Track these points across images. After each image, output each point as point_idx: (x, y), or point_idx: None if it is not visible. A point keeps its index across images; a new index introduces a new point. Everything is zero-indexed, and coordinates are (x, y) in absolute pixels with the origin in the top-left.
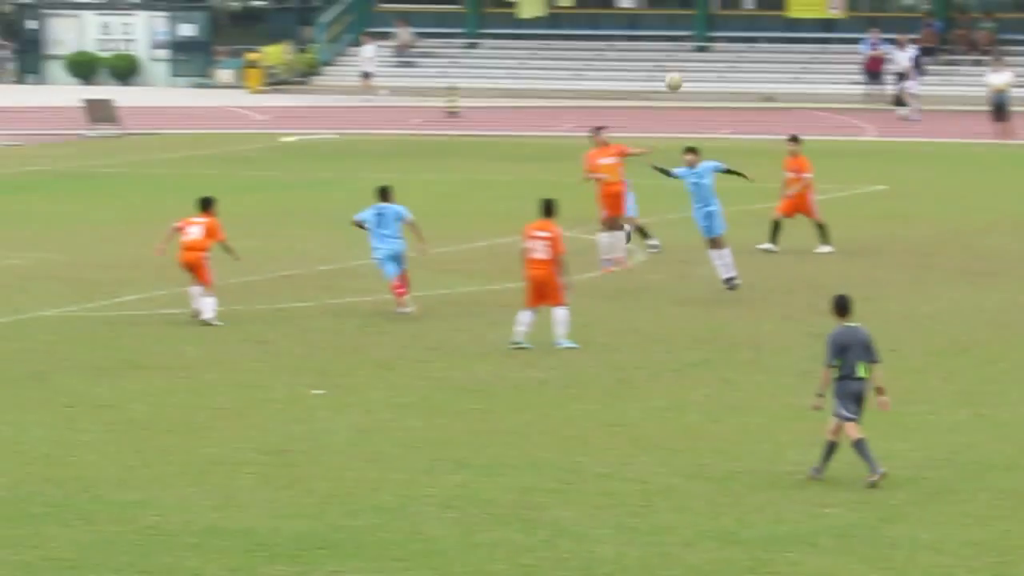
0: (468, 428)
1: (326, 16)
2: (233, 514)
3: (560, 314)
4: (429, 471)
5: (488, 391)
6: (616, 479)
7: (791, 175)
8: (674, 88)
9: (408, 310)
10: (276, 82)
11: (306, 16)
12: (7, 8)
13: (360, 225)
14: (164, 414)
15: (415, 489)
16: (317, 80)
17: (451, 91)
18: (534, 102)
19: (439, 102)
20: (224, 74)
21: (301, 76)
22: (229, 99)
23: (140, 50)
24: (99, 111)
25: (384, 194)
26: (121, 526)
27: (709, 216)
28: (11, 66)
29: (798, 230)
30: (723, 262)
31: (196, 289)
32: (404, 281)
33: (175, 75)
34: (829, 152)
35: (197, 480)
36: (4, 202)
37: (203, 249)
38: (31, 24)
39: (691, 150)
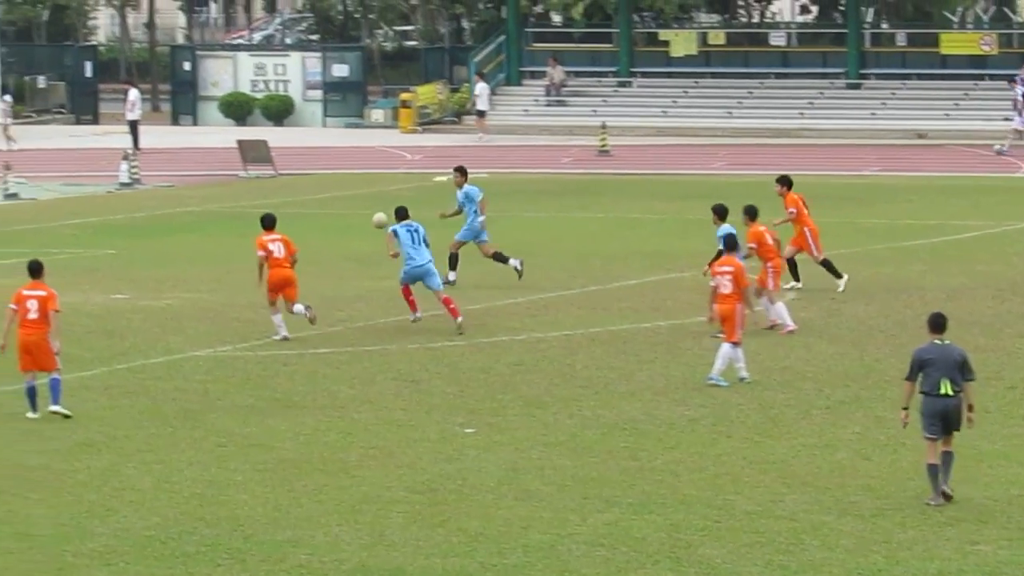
0: (618, 466)
1: (478, 56)
2: (383, 552)
3: (726, 349)
4: (579, 509)
5: (638, 429)
6: (766, 517)
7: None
8: (379, 226)
9: (418, 315)
10: (428, 122)
11: (458, 56)
12: (162, 50)
13: (395, 233)
14: (315, 453)
15: (565, 527)
16: (469, 120)
17: (602, 129)
18: (685, 140)
19: (590, 140)
20: (377, 114)
21: (453, 115)
22: (382, 139)
23: (294, 91)
24: (253, 152)
25: (403, 214)
26: (272, 565)
27: None
28: (166, 107)
29: (929, 268)
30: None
31: (279, 317)
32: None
33: (328, 115)
34: (982, 189)
35: (348, 519)
36: (158, 242)
37: (292, 265)
38: (186, 65)
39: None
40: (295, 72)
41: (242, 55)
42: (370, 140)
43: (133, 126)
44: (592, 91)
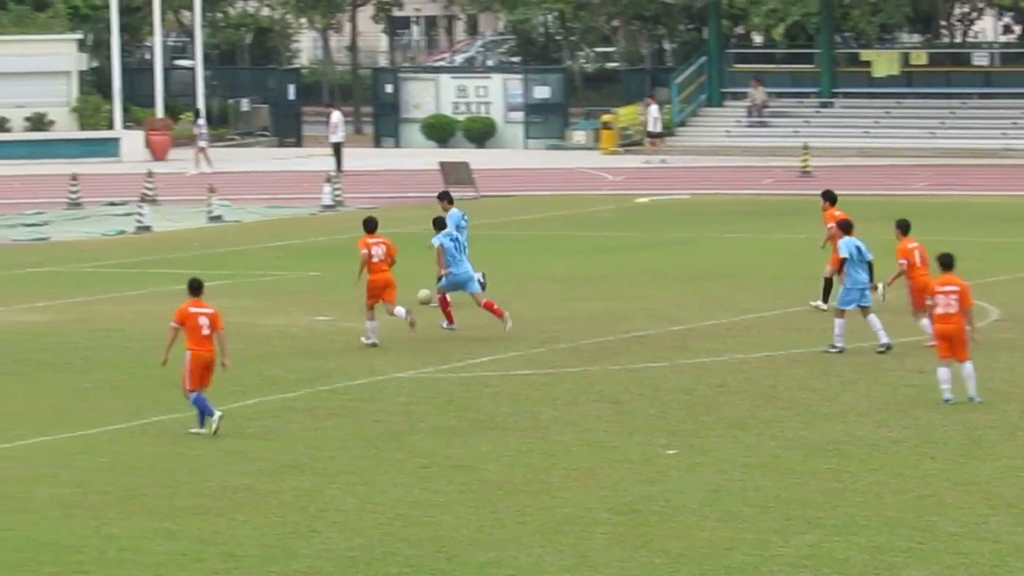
0: (820, 488)
1: (680, 77)
2: (586, 574)
3: (969, 369)
4: (781, 531)
5: (841, 451)
6: (970, 539)
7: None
8: (424, 302)
9: (453, 326)
10: (630, 143)
11: (660, 77)
12: (365, 72)
13: (440, 245)
14: (518, 474)
15: (767, 549)
16: (671, 141)
17: (804, 150)
18: (886, 161)
19: (792, 161)
20: (578, 135)
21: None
22: (583, 160)
23: (495, 112)
24: (455, 173)
25: (442, 225)
26: None
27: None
28: (368, 130)
29: None
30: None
31: (373, 324)
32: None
33: (530, 137)
34: None
35: (550, 540)
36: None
37: (390, 267)
38: (388, 88)
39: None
40: (497, 94)
41: (444, 77)
42: (571, 162)
43: (336, 148)
44: (794, 112)
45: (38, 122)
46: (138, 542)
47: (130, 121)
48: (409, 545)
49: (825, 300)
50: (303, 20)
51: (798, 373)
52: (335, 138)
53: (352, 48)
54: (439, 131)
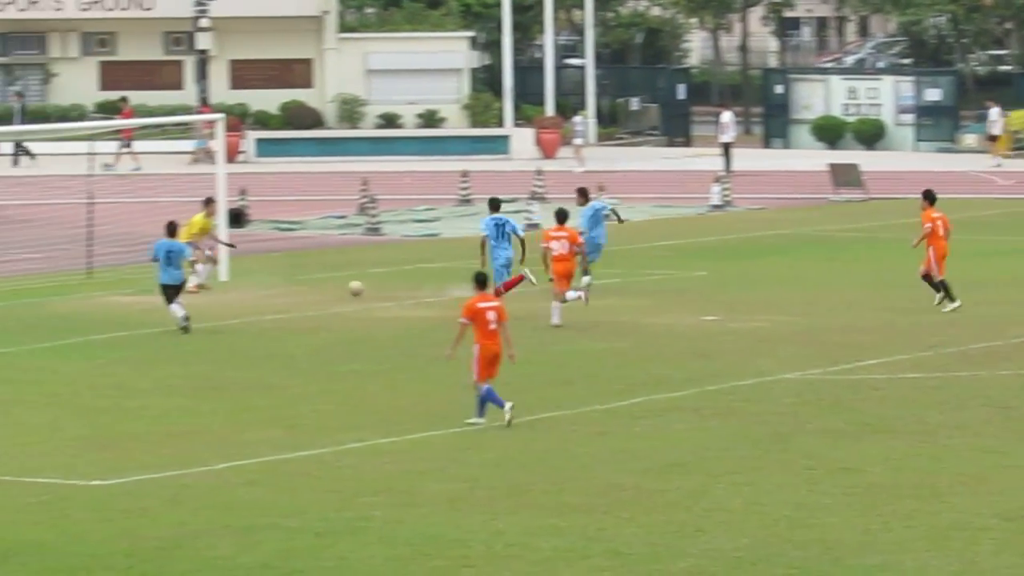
0: None
1: None
2: None
3: None
4: None
5: None
6: None
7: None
8: (355, 293)
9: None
10: (1022, 147)
11: None
12: (755, 73)
13: (484, 239)
14: (904, 478)
15: None
16: None
17: None
18: None
19: None
20: (969, 139)
21: None
22: (973, 164)
23: (886, 115)
24: (844, 175)
25: (496, 206)
26: None
27: None
28: (757, 130)
29: None
30: None
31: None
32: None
33: (920, 140)
34: None
35: (937, 545)
36: (748, 264)
37: (572, 259)
38: (778, 89)
39: None
40: (887, 96)
41: (834, 78)
42: (961, 165)
43: (726, 148)
44: None
45: (430, 119)
46: (525, 537)
47: (520, 119)
48: (795, 547)
49: (951, 298)
50: (694, 20)
51: None
52: (725, 138)
53: (742, 48)
54: (828, 132)
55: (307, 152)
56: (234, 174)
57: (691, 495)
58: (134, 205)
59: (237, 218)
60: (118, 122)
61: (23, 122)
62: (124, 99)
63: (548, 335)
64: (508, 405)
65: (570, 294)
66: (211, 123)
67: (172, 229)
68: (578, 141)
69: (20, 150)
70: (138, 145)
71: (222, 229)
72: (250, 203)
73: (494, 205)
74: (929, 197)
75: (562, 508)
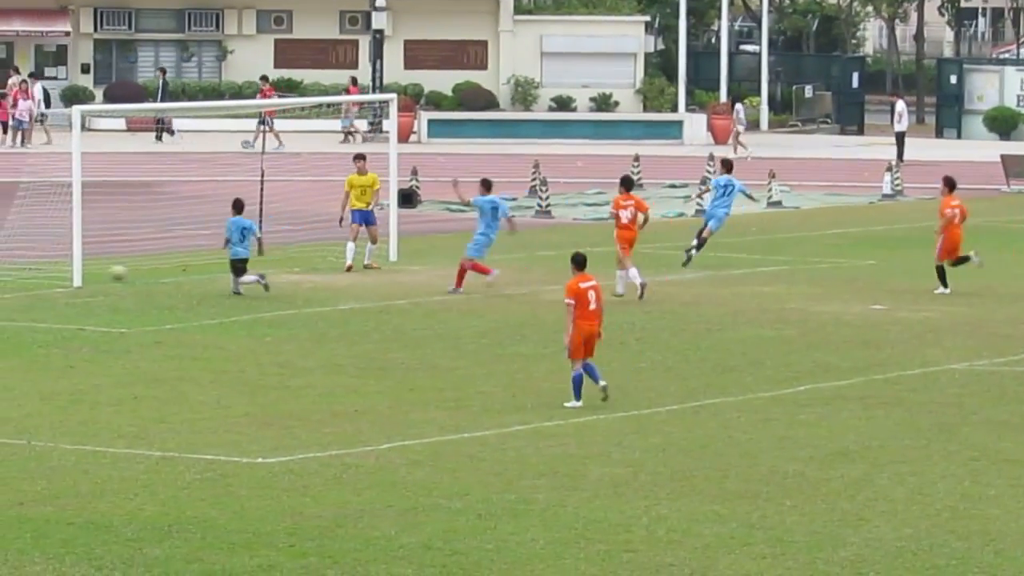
0: None
1: None
2: None
3: None
4: None
5: None
6: None
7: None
8: (118, 278)
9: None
10: None
11: None
12: (929, 62)
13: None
14: None
15: None
16: None
17: None
18: None
19: None
20: None
21: None
22: None
23: None
24: (1017, 166)
25: (488, 186)
26: None
27: None
28: (930, 120)
29: None
30: None
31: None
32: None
33: None
34: None
35: None
36: (917, 254)
37: (640, 227)
38: (952, 79)
39: None
40: None
41: (1009, 69)
42: None
43: (899, 138)
44: None
45: (603, 102)
46: (687, 523)
47: (693, 104)
48: (957, 537)
49: (945, 285)
50: (869, 8)
51: None
52: (899, 128)
53: (918, 38)
54: (1002, 123)
55: (479, 134)
56: (406, 154)
57: (854, 484)
58: (303, 183)
59: (408, 199)
60: (260, 101)
61: (166, 99)
62: (264, 78)
63: (715, 321)
64: (602, 384)
65: (633, 274)
66: (359, 104)
67: (239, 206)
68: (739, 127)
69: (162, 126)
70: (310, 124)
71: (393, 210)
72: (421, 184)
73: (488, 186)
74: (950, 184)
75: (725, 495)
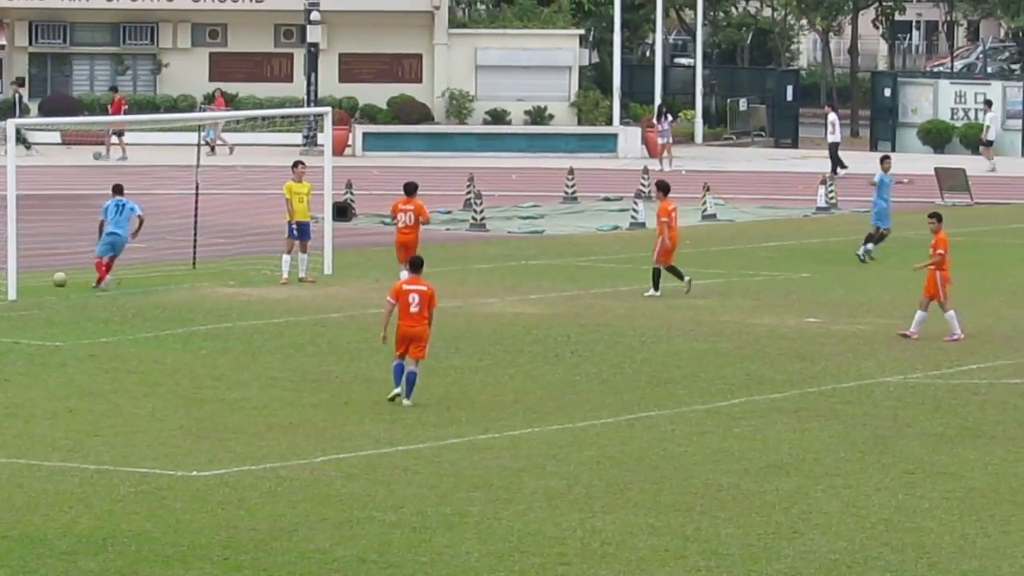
0: None
1: None
2: None
3: None
4: None
5: None
6: None
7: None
8: (60, 285)
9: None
10: None
11: None
12: (863, 75)
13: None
14: (1004, 484)
15: None
16: None
17: None
18: None
19: None
20: None
21: None
22: None
23: (993, 120)
24: (950, 180)
25: (341, 207)
26: None
27: None
28: (864, 133)
29: None
30: None
31: None
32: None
33: None
34: None
35: None
36: (851, 268)
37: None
38: (886, 92)
39: None
40: (996, 101)
41: (943, 82)
42: None
43: (833, 149)
44: None
45: (538, 116)
46: (622, 536)
47: (628, 118)
48: (892, 550)
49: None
50: (804, 22)
51: None
52: (832, 138)
53: (852, 51)
54: (936, 136)
55: (415, 147)
56: (341, 167)
57: (789, 497)
58: (238, 197)
59: (342, 212)
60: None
61: (21, 113)
62: (114, 88)
63: (650, 334)
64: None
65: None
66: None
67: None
68: (663, 140)
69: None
70: (246, 137)
71: (327, 223)
72: (356, 197)
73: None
74: (663, 188)
75: (659, 507)
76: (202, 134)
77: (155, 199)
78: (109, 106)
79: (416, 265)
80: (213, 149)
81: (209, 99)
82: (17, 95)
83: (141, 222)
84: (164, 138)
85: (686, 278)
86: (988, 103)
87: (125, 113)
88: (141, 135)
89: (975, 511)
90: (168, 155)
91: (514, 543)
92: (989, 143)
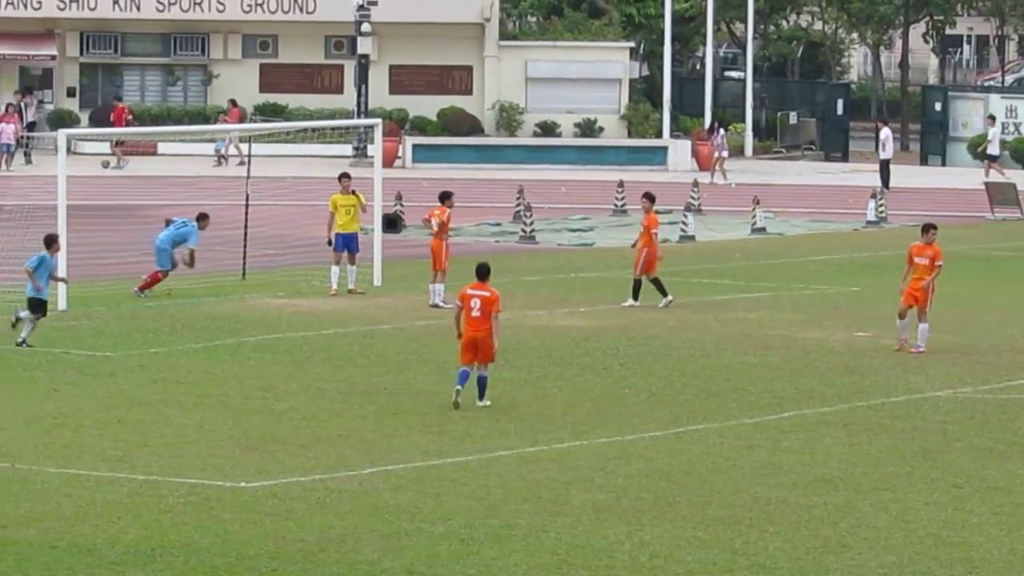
0: None
1: None
2: None
3: None
4: None
5: None
6: None
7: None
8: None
9: None
10: None
11: None
12: (914, 89)
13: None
14: None
15: None
16: None
17: None
18: None
19: None
20: None
21: None
22: None
23: None
24: (1000, 194)
25: (391, 218)
26: None
27: None
28: (915, 147)
29: None
30: None
31: None
32: None
33: None
34: None
35: None
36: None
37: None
38: (936, 106)
39: None
40: None
41: (994, 96)
42: None
43: (884, 165)
44: None
45: (588, 128)
46: (669, 549)
47: (678, 131)
48: (940, 565)
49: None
50: (855, 35)
51: None
52: (883, 155)
53: (903, 65)
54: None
55: (464, 159)
56: (390, 179)
57: (837, 511)
58: (287, 208)
59: (392, 223)
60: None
61: (27, 124)
62: (118, 98)
63: (698, 348)
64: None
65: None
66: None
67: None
68: (721, 154)
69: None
70: (296, 148)
71: (377, 235)
72: (405, 208)
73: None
74: (652, 199)
75: (707, 521)
76: (214, 145)
77: (203, 211)
78: (110, 115)
79: (483, 272)
80: (220, 161)
81: (274, 111)
82: (22, 104)
83: (192, 256)
84: (207, 149)
85: (668, 296)
86: (991, 117)
87: (128, 123)
88: (188, 146)
89: (1023, 526)
90: (206, 167)
91: (562, 556)
92: (994, 157)
